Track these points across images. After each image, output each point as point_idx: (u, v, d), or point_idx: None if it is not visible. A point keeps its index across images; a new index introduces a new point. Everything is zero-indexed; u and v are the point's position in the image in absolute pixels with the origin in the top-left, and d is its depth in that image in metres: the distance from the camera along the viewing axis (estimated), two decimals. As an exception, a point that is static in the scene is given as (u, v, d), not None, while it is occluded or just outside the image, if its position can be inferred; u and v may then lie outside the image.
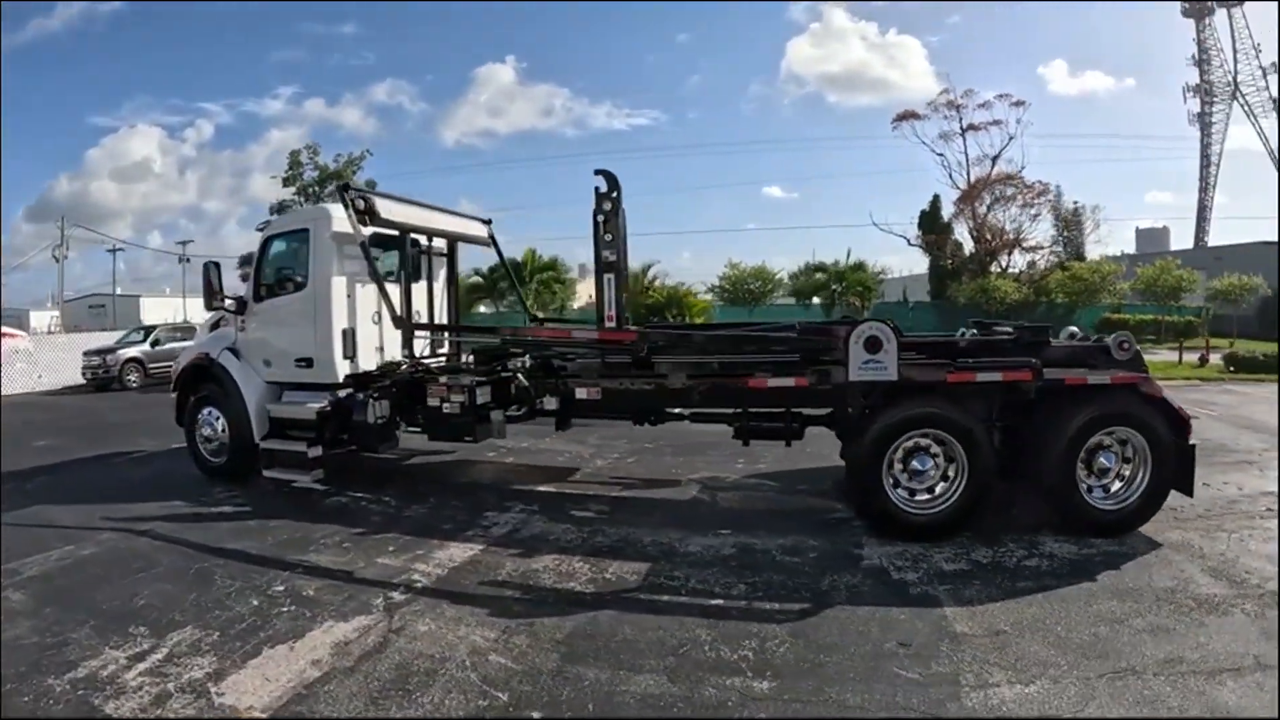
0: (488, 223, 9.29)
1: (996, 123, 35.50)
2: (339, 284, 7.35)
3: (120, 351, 19.98)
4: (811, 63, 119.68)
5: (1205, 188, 68.56)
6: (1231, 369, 18.25)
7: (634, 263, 31.89)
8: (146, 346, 20.50)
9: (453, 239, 8.88)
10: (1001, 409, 5.61)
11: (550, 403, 6.89)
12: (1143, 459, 5.45)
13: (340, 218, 7.29)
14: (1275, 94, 61.79)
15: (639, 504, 6.90)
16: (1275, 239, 34.25)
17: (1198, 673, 3.50)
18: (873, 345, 5.40)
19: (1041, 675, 3.52)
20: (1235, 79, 65.55)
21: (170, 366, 18.64)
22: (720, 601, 4.47)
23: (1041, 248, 35.23)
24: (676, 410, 6.98)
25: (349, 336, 7.33)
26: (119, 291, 50.76)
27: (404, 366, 7.50)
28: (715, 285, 31.39)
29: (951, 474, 5.48)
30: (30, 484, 8.08)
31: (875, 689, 3.44)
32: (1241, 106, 65.74)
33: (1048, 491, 5.56)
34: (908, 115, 36.63)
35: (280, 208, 39.77)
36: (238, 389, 7.64)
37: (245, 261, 7.20)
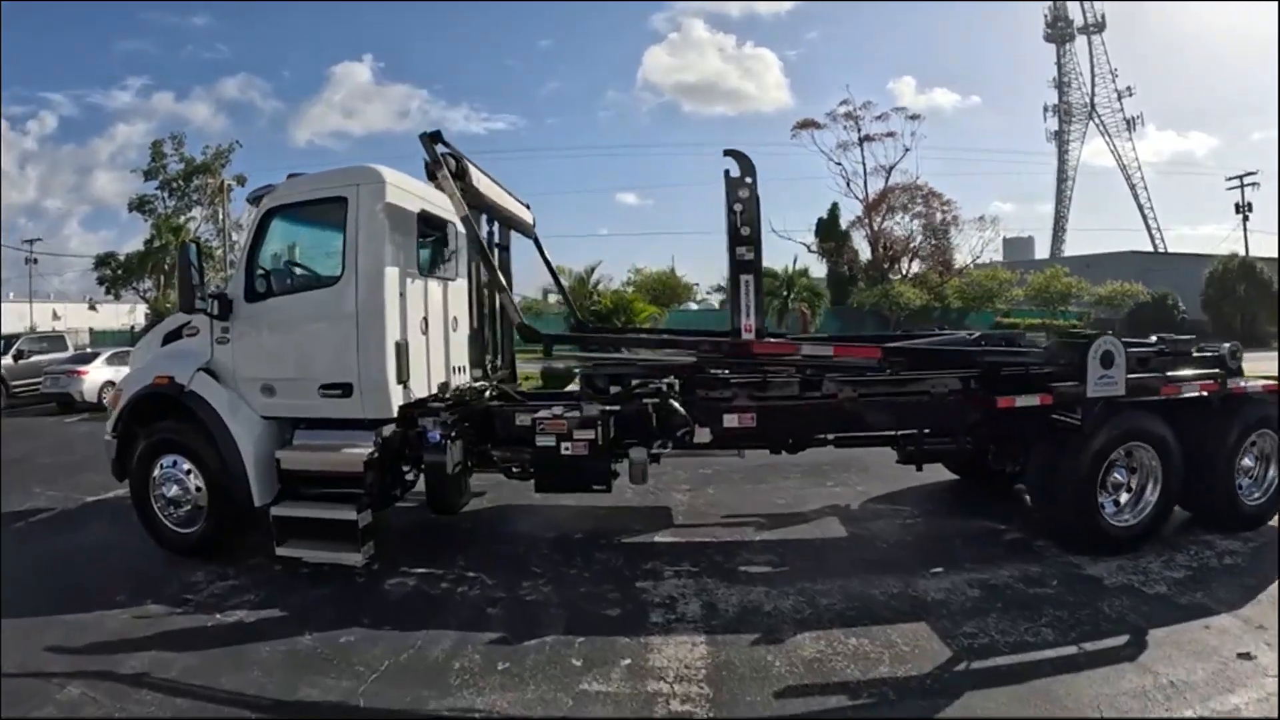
0: (528, 207, 7.27)
1: (891, 134, 36.81)
2: (393, 278, 5.15)
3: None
4: (668, 71, 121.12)
5: (1062, 200, 75.66)
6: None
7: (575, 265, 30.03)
8: (8, 360, 16.14)
9: (510, 224, 6.82)
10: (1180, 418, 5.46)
11: (702, 435, 5.15)
12: (1277, 456, 5.76)
13: (398, 184, 5.15)
14: (1127, 115, 69.46)
15: (796, 548, 5.50)
16: (1139, 249, 37.72)
17: None
18: (1107, 360, 5.05)
19: None
20: (1092, 101, 72.80)
21: (39, 384, 15.14)
22: (1051, 653, 3.69)
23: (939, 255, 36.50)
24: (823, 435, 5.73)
25: (403, 353, 5.15)
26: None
27: (485, 390, 5.42)
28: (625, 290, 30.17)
29: (1144, 484, 5.32)
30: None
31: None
32: (1097, 125, 73.18)
33: (1207, 495, 5.55)
34: (808, 124, 37.61)
35: (141, 204, 34.72)
36: (225, 429, 5.21)
37: (254, 198, 5.60)
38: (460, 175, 5.17)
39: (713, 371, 5.44)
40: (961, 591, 4.51)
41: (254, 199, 5.55)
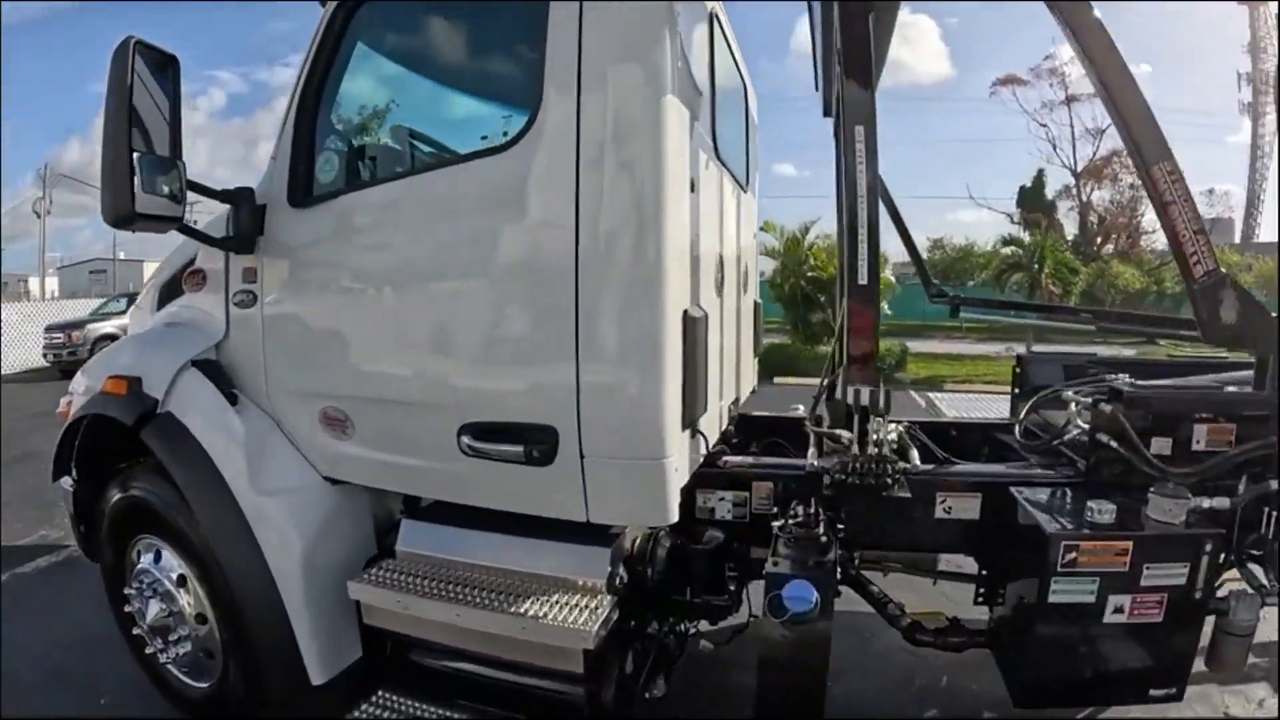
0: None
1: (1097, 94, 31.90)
2: (676, 157, 1.78)
3: (92, 326, 14.19)
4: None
5: (1255, 179, 62.70)
6: None
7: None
8: (127, 320, 14.91)
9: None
10: None
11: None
12: None
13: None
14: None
15: None
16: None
17: None
18: None
19: None
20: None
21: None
22: None
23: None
24: None
25: (697, 346, 1.87)
26: (122, 256, 44.73)
27: (891, 433, 2.05)
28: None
29: None
30: None
31: None
32: (1299, 94, 59.73)
33: None
34: (1010, 80, 33.10)
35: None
36: (227, 506, 2.14)
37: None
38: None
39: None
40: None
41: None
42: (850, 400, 2.23)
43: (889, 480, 2.05)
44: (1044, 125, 32.47)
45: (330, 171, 2.14)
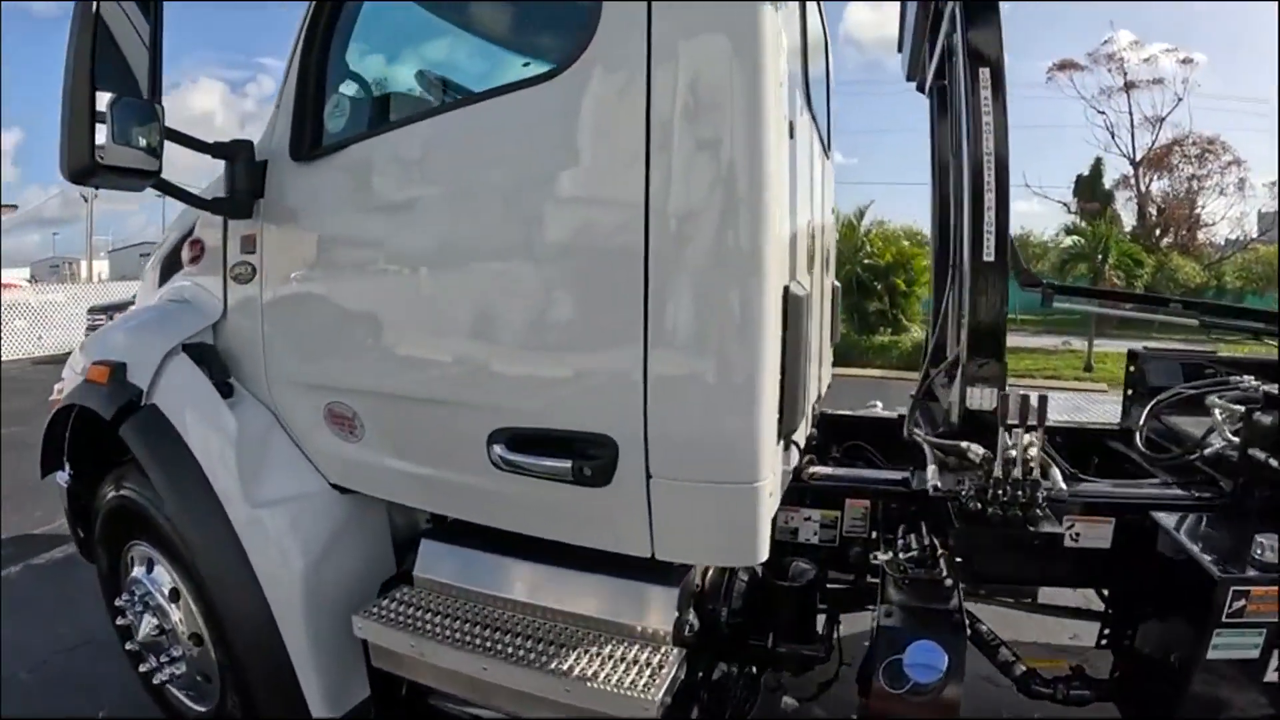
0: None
1: (1159, 81, 29.74)
2: (778, 111, 1.31)
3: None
4: (871, 27, 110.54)
5: None
6: None
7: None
8: None
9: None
10: None
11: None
12: None
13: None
14: None
15: None
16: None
17: None
18: None
19: None
20: None
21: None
22: None
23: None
24: None
25: (800, 329, 1.40)
26: (171, 238, 45.68)
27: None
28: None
29: None
30: None
31: None
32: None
33: None
34: (1067, 65, 31.62)
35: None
36: (210, 512, 1.78)
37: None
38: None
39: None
40: None
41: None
42: (970, 403, 1.79)
43: (1039, 512, 1.60)
44: (1102, 112, 30.75)
45: (340, 118, 1.76)
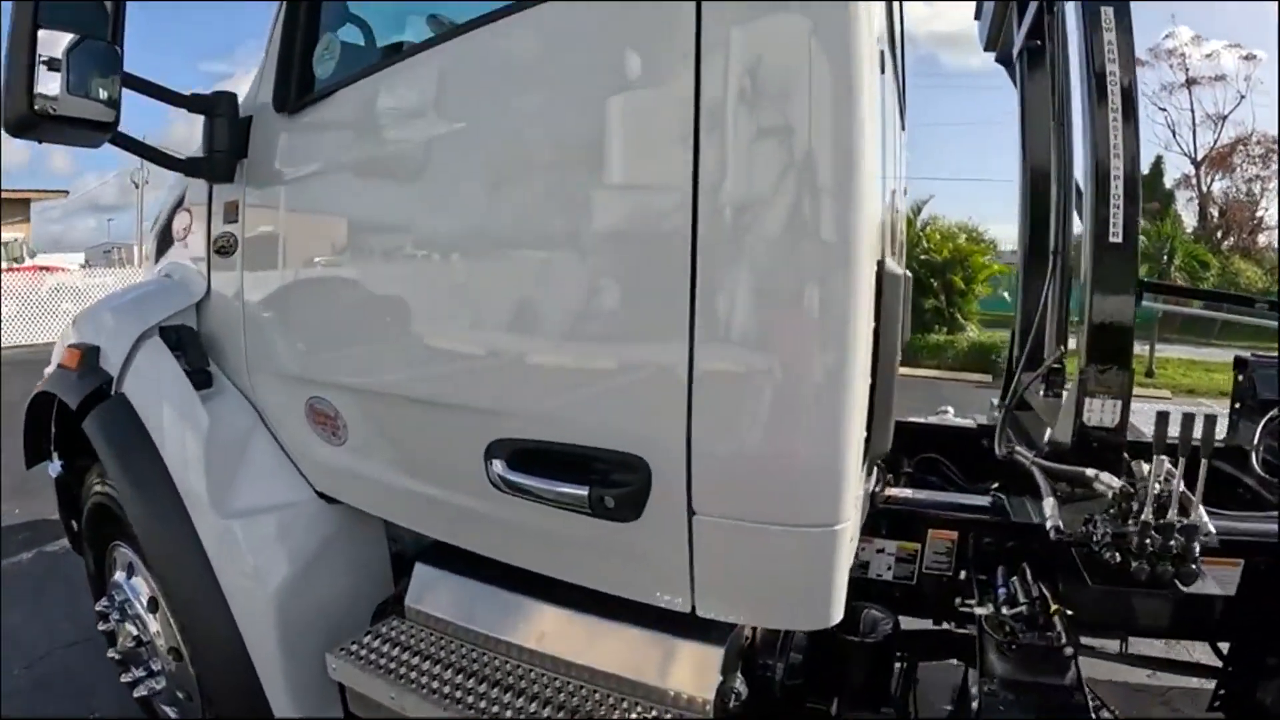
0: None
1: (1221, 77, 28.63)
2: (869, 37, 0.93)
3: (176, 293, 14.67)
4: (921, 20, 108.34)
5: None
6: None
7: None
8: None
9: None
10: None
11: None
12: None
13: None
14: None
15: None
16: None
17: None
18: None
19: None
20: None
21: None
22: None
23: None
24: None
25: (898, 337, 1.05)
26: (217, 224, 47.00)
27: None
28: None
29: None
30: None
31: None
32: None
33: None
34: None
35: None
36: (170, 511, 1.51)
37: None
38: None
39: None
40: None
41: None
42: (1088, 419, 1.44)
43: (1194, 567, 1.24)
44: (1163, 109, 29.65)
45: (330, 60, 1.48)
